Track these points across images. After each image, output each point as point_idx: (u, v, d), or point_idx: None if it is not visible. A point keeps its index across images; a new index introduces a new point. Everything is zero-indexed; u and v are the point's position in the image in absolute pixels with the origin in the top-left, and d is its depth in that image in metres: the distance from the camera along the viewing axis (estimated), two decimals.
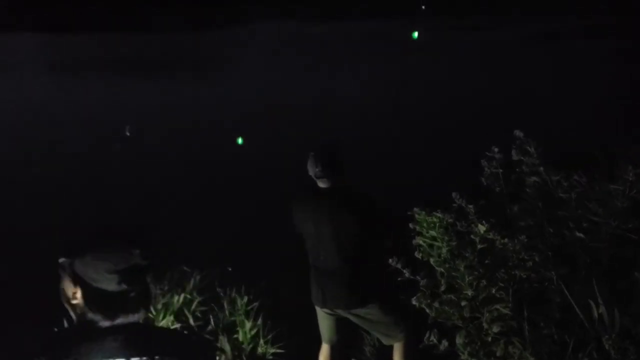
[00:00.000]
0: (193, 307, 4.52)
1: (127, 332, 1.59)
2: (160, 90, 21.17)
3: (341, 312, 3.79)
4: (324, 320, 3.90)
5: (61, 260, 1.66)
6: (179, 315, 4.48)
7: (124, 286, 1.59)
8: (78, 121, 15.05)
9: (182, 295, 4.53)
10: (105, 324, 1.60)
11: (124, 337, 1.57)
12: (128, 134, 7.21)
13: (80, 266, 1.61)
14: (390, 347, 3.86)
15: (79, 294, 1.62)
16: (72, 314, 1.66)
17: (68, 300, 1.65)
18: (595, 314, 2.80)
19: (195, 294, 4.58)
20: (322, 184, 3.62)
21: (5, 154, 11.56)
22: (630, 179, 2.94)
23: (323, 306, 3.80)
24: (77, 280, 1.61)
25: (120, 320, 1.60)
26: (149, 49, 37.71)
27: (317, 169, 3.54)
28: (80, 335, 1.60)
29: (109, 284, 1.58)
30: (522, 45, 33.11)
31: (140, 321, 1.65)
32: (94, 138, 12.87)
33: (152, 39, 45.14)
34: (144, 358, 1.55)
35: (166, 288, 4.51)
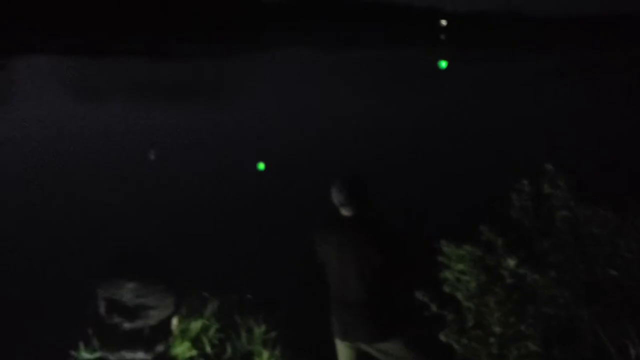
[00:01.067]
0: (211, 333, 4.46)
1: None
2: (180, 113, 21.47)
3: (362, 346, 3.69)
4: (344, 353, 3.80)
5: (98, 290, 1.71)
6: (195, 342, 4.41)
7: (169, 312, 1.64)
8: (98, 143, 15.26)
9: (200, 322, 4.47)
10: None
11: None
12: (152, 157, 7.26)
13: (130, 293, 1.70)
14: None
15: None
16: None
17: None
18: (633, 355, 2.70)
19: (213, 321, 4.51)
20: (346, 212, 3.56)
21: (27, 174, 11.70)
22: None
23: (343, 338, 3.71)
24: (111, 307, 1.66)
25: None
26: (171, 74, 38.33)
27: (341, 197, 3.48)
28: None
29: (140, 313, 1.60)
30: (553, 79, 33.05)
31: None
32: (113, 160, 13.02)
33: (174, 65, 45.93)
34: None
35: (184, 314, 4.45)
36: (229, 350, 4.40)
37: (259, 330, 4.48)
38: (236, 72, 42.01)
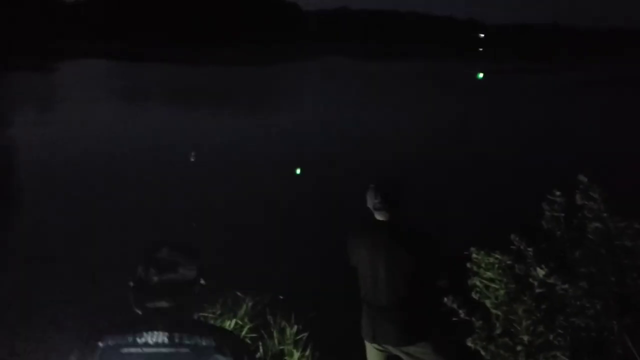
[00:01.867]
0: (243, 333, 4.55)
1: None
2: (219, 118, 21.84)
3: (391, 349, 3.74)
4: (373, 356, 3.85)
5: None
6: None
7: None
8: (139, 145, 15.65)
9: (234, 321, 4.57)
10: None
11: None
12: (192, 159, 7.43)
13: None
14: None
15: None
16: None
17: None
18: None
19: (246, 320, 4.61)
20: (379, 217, 3.63)
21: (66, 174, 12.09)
22: None
23: (372, 341, 3.76)
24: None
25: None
26: (210, 80, 38.97)
27: (376, 201, 3.55)
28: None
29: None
30: (583, 91, 32.47)
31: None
32: (153, 161, 13.35)
33: (213, 71, 46.64)
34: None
35: (219, 312, 4.56)
36: (261, 349, 4.49)
37: (290, 330, 4.56)
38: (277, 79, 42.46)
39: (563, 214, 3.26)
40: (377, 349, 3.79)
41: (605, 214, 3.15)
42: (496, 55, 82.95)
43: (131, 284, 1.89)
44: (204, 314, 4.49)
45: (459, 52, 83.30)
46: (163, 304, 1.89)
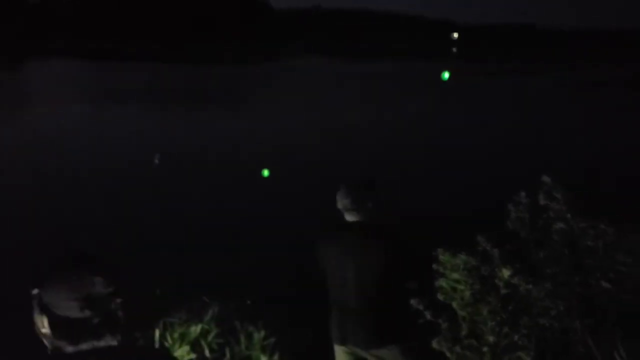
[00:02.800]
0: (210, 338, 4.48)
1: (92, 358, 1.62)
2: (190, 118, 21.65)
3: (360, 352, 3.72)
4: (342, 359, 3.83)
5: (33, 291, 1.67)
6: (195, 346, 4.45)
7: (88, 313, 1.60)
8: (107, 146, 15.41)
9: (200, 326, 4.50)
10: (70, 349, 1.62)
11: None
12: (157, 162, 7.30)
13: (45, 295, 1.63)
14: None
15: (45, 323, 1.64)
16: (46, 343, 1.67)
17: (39, 330, 1.66)
18: None
19: (212, 326, 4.55)
20: (350, 218, 3.59)
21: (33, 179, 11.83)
22: None
23: (341, 344, 3.74)
24: (43, 309, 1.64)
25: (85, 346, 1.62)
26: (181, 80, 38.63)
27: (346, 201, 3.51)
28: None
29: (71, 311, 1.60)
30: (554, 93, 33.11)
31: (115, 344, 1.66)
32: (124, 164, 13.15)
33: (184, 71, 46.26)
34: None
35: (184, 318, 4.49)
36: (227, 355, 4.43)
37: (258, 335, 4.50)
38: (248, 78, 42.30)
39: (528, 215, 3.28)
40: (346, 352, 3.76)
41: (568, 215, 3.17)
42: (469, 55, 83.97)
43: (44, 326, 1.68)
44: (170, 319, 4.42)
45: (432, 52, 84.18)
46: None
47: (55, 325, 1.62)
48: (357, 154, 14.85)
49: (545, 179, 3.23)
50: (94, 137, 17.08)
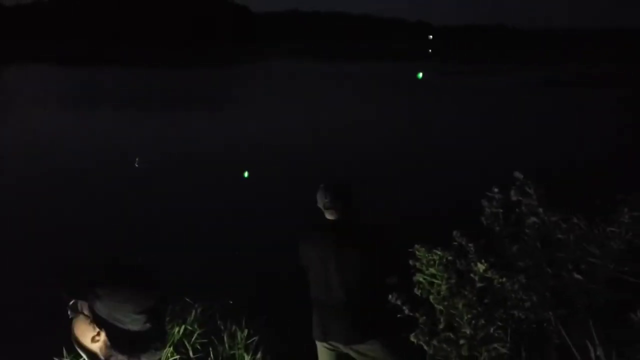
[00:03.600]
0: (193, 339, 4.50)
1: None
2: (171, 121, 21.52)
3: (341, 348, 3.78)
4: (324, 356, 3.88)
5: (73, 302, 1.60)
6: (178, 347, 4.46)
7: (148, 326, 1.57)
8: (86, 151, 15.26)
9: (183, 327, 4.51)
10: None
11: None
12: (137, 165, 7.29)
13: (103, 308, 1.57)
14: None
15: (102, 337, 1.59)
16: (86, 356, 1.62)
17: (84, 344, 1.61)
18: (593, 356, 2.82)
19: (195, 326, 4.56)
20: (330, 216, 3.66)
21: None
22: (626, 221, 2.99)
23: (323, 340, 3.79)
24: (100, 323, 1.58)
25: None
26: (161, 83, 38.32)
27: (326, 200, 3.59)
28: None
29: (135, 324, 1.57)
30: (526, 92, 33.61)
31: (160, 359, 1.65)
32: (95, 169, 13.04)
33: (163, 74, 45.90)
34: None
35: (167, 319, 4.49)
36: (211, 355, 4.45)
37: (241, 334, 4.53)
38: (228, 81, 42.12)
39: (501, 210, 3.37)
40: (328, 349, 3.82)
41: (540, 209, 3.27)
42: (444, 56, 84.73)
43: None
44: None
45: (408, 54, 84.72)
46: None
47: (116, 340, 1.57)
48: (337, 154, 14.95)
49: (517, 174, 3.32)
50: (78, 141, 16.92)
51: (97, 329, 1.58)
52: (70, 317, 1.61)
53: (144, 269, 1.65)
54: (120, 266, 1.66)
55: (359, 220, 3.69)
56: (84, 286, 1.59)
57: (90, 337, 1.59)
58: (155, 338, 1.61)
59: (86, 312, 1.58)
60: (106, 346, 1.59)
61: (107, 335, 1.58)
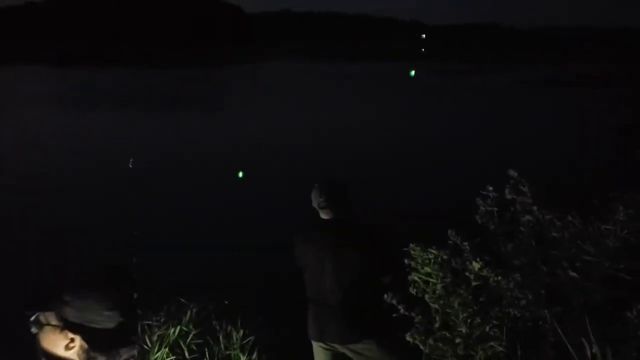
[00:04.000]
0: (188, 340, 4.50)
1: None
2: (168, 122, 21.51)
3: (338, 347, 3.77)
4: (320, 355, 3.87)
5: (35, 316, 1.57)
6: (174, 348, 4.46)
7: (123, 320, 1.58)
8: (79, 151, 15.26)
9: (178, 328, 4.51)
10: None
11: None
12: (131, 166, 7.30)
13: (74, 312, 1.55)
14: None
15: (77, 342, 1.57)
16: None
17: (57, 354, 1.57)
18: (589, 354, 2.81)
19: (191, 327, 4.55)
20: (325, 215, 3.65)
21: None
22: (621, 219, 2.98)
23: (319, 340, 3.78)
24: (73, 328, 1.56)
25: (124, 356, 1.60)
26: (156, 84, 38.32)
27: (320, 199, 3.58)
28: None
29: (110, 321, 1.57)
30: (525, 91, 33.61)
31: (137, 354, 1.64)
32: (98, 168, 13.04)
33: (157, 75, 45.86)
34: None
35: (162, 320, 4.49)
36: (207, 355, 4.45)
37: (236, 335, 4.53)
38: (228, 81, 42.16)
39: (496, 209, 3.36)
40: (324, 348, 3.81)
41: (535, 207, 3.26)
42: (443, 56, 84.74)
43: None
44: (147, 322, 4.42)
45: (408, 54, 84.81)
46: None
47: (94, 341, 1.56)
48: (333, 154, 14.95)
49: (512, 172, 3.32)
50: (78, 141, 16.92)
51: (71, 336, 1.56)
52: (34, 332, 1.57)
53: (111, 266, 1.64)
54: (85, 269, 1.64)
55: (355, 220, 3.69)
56: (47, 297, 1.57)
57: (63, 345, 1.56)
58: (132, 331, 1.61)
59: (54, 322, 1.55)
60: (83, 350, 1.57)
61: (84, 338, 1.56)
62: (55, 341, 1.56)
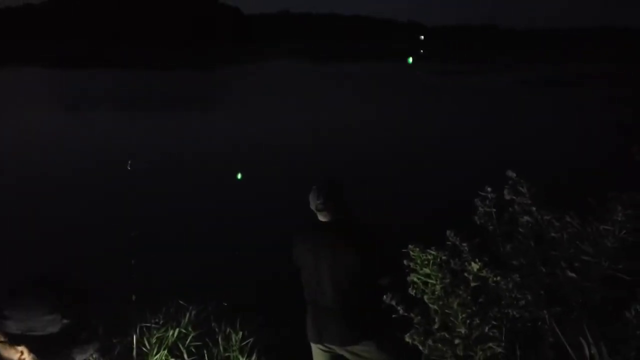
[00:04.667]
0: (187, 341, 4.49)
1: None
2: (168, 123, 21.50)
3: (336, 349, 3.77)
4: (319, 357, 3.87)
5: None
6: (173, 350, 4.45)
7: (67, 322, 1.54)
8: (75, 151, 15.25)
9: (177, 330, 4.50)
10: None
11: None
12: (129, 168, 7.31)
13: (17, 324, 1.53)
14: None
15: (25, 353, 1.55)
16: None
17: None
18: (587, 354, 2.80)
19: (190, 329, 4.55)
20: (322, 218, 3.65)
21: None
22: (620, 219, 2.97)
23: (318, 342, 3.78)
24: (19, 340, 1.53)
25: (78, 358, 1.58)
26: (156, 85, 38.32)
27: (318, 202, 3.58)
28: None
29: (53, 325, 1.54)
30: (525, 91, 33.61)
31: (94, 353, 1.62)
32: (98, 169, 13.04)
33: (157, 76, 45.89)
34: None
35: (161, 322, 4.48)
36: (206, 357, 4.44)
37: (235, 337, 4.52)
38: (228, 81, 42.15)
39: (494, 209, 3.35)
40: (323, 350, 3.81)
41: (533, 208, 3.25)
42: (443, 56, 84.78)
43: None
44: (146, 324, 4.41)
45: (399, 54, 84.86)
46: None
47: (40, 348, 1.53)
48: (331, 154, 14.96)
49: (510, 173, 3.30)
50: (78, 141, 16.93)
51: (19, 348, 1.54)
52: None
53: (45, 273, 1.60)
54: (18, 281, 1.61)
55: (354, 220, 3.68)
56: None
57: (16, 357, 1.54)
58: (79, 332, 1.57)
59: (1, 338, 1.53)
60: (31, 359, 1.55)
61: (30, 349, 1.54)
62: (8, 357, 1.55)
